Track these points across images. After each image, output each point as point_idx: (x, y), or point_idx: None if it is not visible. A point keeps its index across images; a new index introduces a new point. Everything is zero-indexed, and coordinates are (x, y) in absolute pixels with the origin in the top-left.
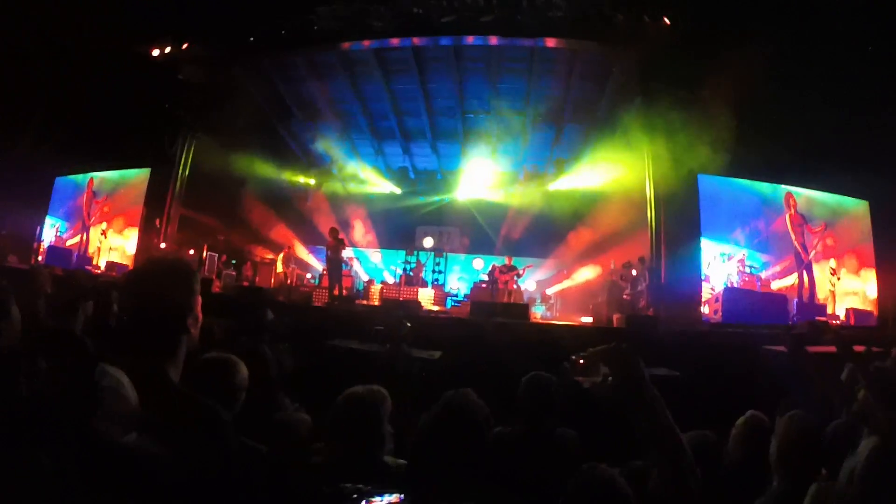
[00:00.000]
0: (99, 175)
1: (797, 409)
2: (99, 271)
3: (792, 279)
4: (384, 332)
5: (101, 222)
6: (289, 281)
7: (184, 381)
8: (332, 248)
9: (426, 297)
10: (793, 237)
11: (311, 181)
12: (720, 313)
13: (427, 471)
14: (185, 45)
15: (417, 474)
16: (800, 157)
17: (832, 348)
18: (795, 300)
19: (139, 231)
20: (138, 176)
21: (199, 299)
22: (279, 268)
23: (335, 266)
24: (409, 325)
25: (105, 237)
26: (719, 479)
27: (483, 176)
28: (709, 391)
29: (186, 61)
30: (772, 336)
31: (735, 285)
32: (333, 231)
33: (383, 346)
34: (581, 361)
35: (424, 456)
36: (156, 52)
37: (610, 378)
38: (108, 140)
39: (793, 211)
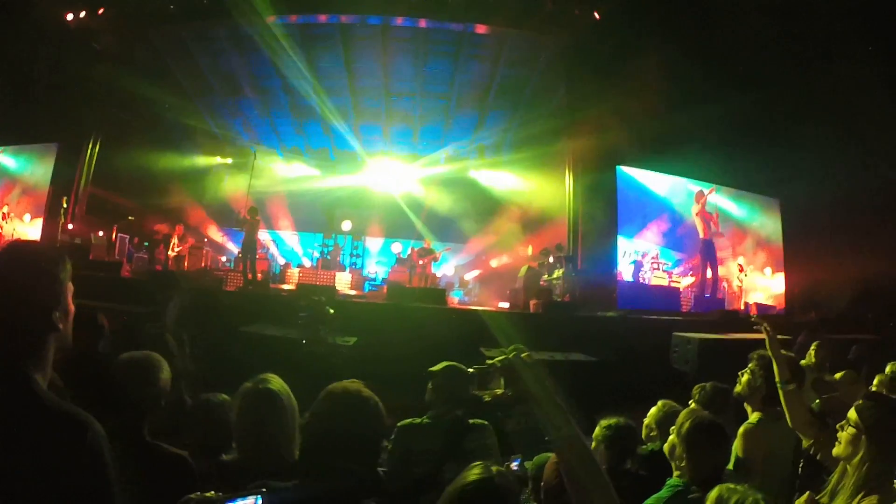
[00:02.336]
0: None
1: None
2: None
3: (700, 275)
4: (306, 318)
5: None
6: (185, 263)
7: (97, 385)
8: (249, 228)
9: (343, 281)
10: (700, 233)
11: (228, 160)
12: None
13: (317, 472)
14: (100, 11)
15: (308, 475)
16: (716, 153)
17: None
18: (694, 294)
19: (44, 211)
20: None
21: (70, 289)
22: (173, 249)
23: (250, 248)
24: (332, 311)
25: (6, 221)
26: (634, 467)
27: (404, 159)
28: (624, 375)
29: (102, 29)
30: (684, 323)
31: (647, 281)
32: (252, 210)
33: (304, 333)
34: (472, 371)
35: (312, 457)
36: (70, 17)
37: (509, 392)
38: (10, 113)
39: (700, 207)
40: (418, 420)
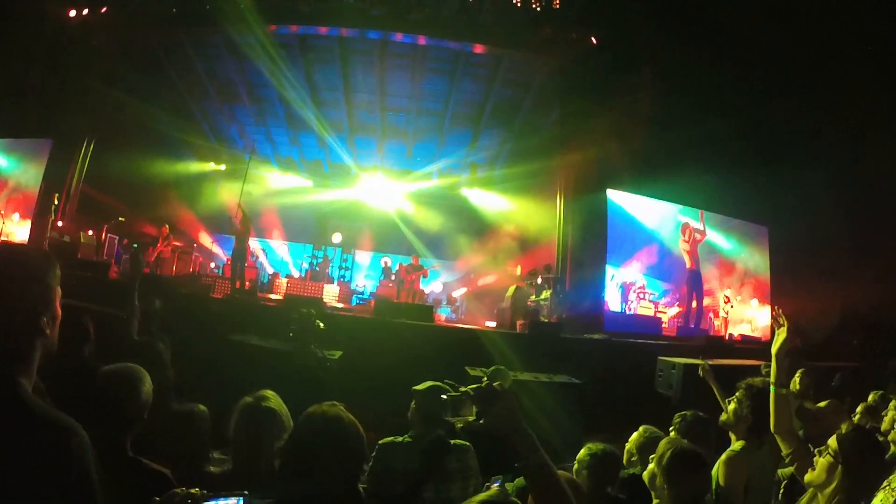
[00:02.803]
0: None
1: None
2: None
3: (686, 305)
4: (296, 331)
5: None
6: (174, 266)
7: (80, 392)
8: (239, 235)
9: (331, 293)
10: (687, 264)
11: (222, 167)
12: None
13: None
14: (103, 10)
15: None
16: (706, 179)
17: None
18: (679, 324)
19: (35, 208)
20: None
21: (58, 293)
22: (155, 251)
23: (240, 255)
24: (321, 325)
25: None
26: (615, 492)
27: (397, 174)
28: (608, 398)
29: (101, 28)
30: (669, 347)
31: (633, 311)
32: (245, 218)
33: (294, 346)
34: (445, 398)
35: (290, 480)
36: (73, 13)
37: (480, 420)
38: (6, 107)
39: (687, 237)
40: (399, 438)
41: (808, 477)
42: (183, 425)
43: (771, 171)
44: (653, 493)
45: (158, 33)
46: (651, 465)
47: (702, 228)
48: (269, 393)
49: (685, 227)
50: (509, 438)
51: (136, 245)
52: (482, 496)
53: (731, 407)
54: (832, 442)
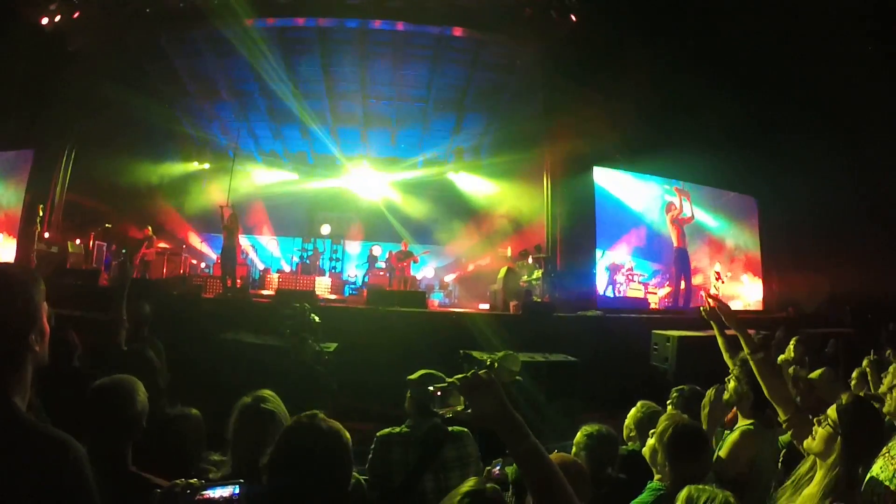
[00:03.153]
0: None
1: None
2: None
3: (675, 285)
4: (291, 326)
5: None
6: (164, 269)
7: (74, 405)
8: (228, 233)
9: (323, 285)
10: (674, 242)
11: (206, 165)
12: None
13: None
14: (76, 14)
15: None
16: (693, 152)
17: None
18: (668, 305)
19: (20, 219)
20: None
21: (45, 308)
22: (140, 254)
23: (230, 254)
24: (317, 318)
25: None
26: (615, 473)
27: (382, 162)
28: (605, 375)
29: (76, 32)
30: (664, 321)
31: (623, 293)
32: (232, 216)
33: (289, 342)
34: (438, 393)
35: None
36: (45, 21)
37: (469, 409)
38: None
39: (674, 215)
40: (397, 429)
41: (806, 444)
42: (176, 430)
43: (758, 143)
44: (654, 469)
45: (135, 34)
46: (651, 441)
47: (689, 214)
48: (268, 393)
49: (671, 204)
50: (497, 427)
51: (124, 250)
52: (463, 487)
53: (731, 385)
54: (831, 412)
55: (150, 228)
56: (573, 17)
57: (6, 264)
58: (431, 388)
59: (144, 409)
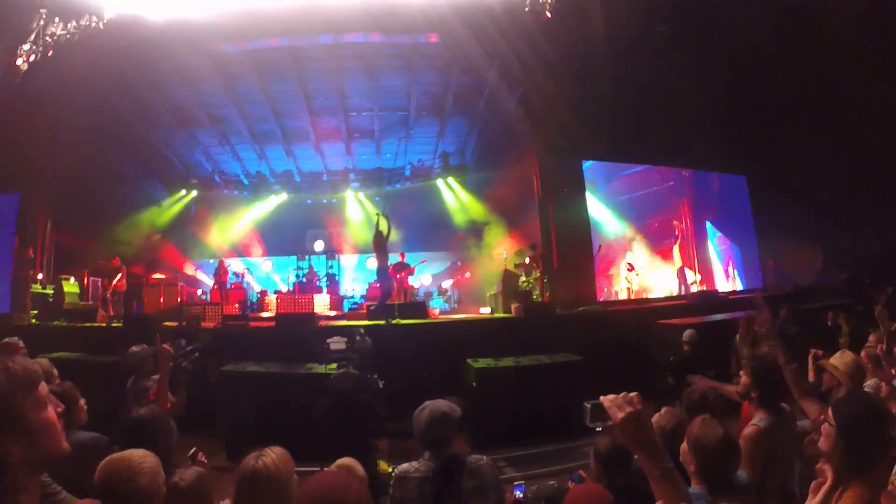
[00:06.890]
0: None
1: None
2: None
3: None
4: (355, 360)
5: None
6: (161, 300)
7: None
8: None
9: (322, 302)
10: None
11: (194, 193)
12: None
13: None
14: (49, 53)
15: None
16: (679, 136)
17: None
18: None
19: (12, 264)
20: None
21: (39, 399)
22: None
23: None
24: (369, 340)
25: None
26: (634, 482)
27: (369, 173)
28: (611, 371)
29: (48, 73)
30: (665, 308)
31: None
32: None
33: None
34: (598, 429)
35: None
36: (20, 62)
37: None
38: None
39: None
40: (414, 465)
41: (820, 444)
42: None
43: (745, 121)
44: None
45: (99, 73)
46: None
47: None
48: (276, 450)
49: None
50: (638, 449)
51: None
52: None
53: (745, 381)
54: (832, 411)
55: (118, 259)
56: (548, 14)
57: None
58: (587, 404)
59: (153, 480)
